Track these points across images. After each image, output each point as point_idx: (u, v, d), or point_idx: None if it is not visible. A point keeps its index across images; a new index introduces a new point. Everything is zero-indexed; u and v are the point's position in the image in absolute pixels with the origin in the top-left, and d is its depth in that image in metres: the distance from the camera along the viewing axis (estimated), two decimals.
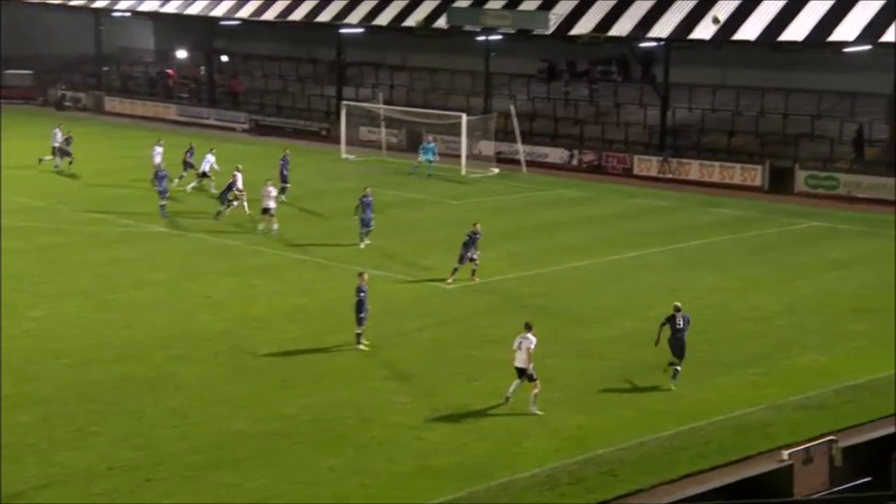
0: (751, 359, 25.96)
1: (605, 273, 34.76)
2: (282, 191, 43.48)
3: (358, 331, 26.77)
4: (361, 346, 26.69)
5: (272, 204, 38.77)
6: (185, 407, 23.06)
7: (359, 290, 26.61)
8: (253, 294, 31.66)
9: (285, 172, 44.68)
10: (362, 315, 26.61)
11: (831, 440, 19.00)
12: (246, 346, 26.92)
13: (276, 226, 38.76)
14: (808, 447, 18.74)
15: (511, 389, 23.11)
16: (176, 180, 46.10)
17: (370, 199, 37.39)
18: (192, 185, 46.28)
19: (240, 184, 40.77)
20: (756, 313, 29.65)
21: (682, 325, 24.61)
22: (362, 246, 36.94)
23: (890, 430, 20.02)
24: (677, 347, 24.60)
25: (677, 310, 24.78)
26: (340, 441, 21.53)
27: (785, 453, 18.70)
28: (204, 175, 46.07)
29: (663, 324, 24.79)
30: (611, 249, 37.56)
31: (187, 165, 47.54)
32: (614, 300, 31.63)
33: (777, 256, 37.23)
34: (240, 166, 41.94)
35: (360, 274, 27.27)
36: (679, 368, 24.55)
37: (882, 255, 37.54)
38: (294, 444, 21.41)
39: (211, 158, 46.26)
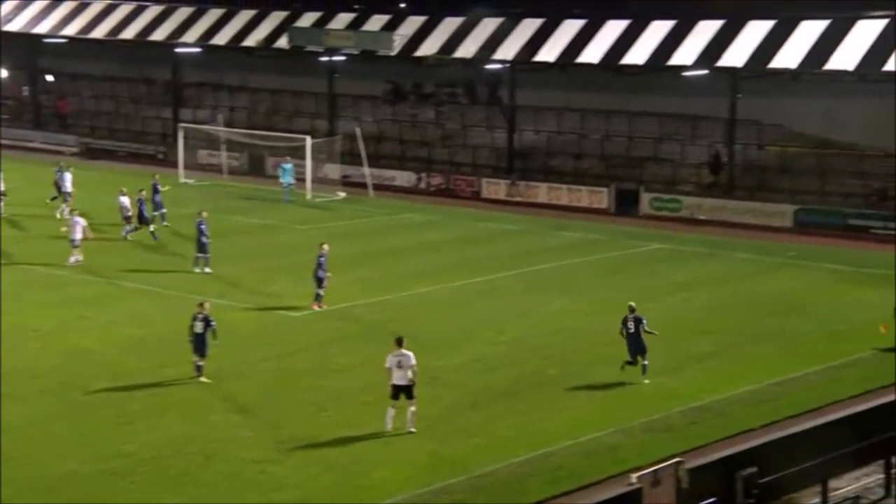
0: (600, 382, 25.95)
1: (454, 298, 34.46)
2: (161, 217, 42.85)
3: (199, 362, 25.73)
4: (202, 379, 25.65)
5: (80, 235, 37.31)
6: (10, 449, 21.61)
7: (206, 320, 25.58)
8: (84, 326, 30.29)
9: (157, 199, 43.24)
10: (205, 346, 25.59)
11: (678, 462, 18.98)
12: (77, 381, 25.58)
13: (76, 258, 37.14)
14: (655, 470, 18.64)
15: (389, 417, 22.65)
16: (48, 201, 45.56)
17: (204, 223, 36.37)
18: (63, 209, 44.37)
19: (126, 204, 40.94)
20: (605, 337, 29.56)
21: (632, 328, 25.78)
22: (197, 271, 36.04)
23: (734, 450, 20.17)
24: (631, 348, 25.85)
25: (631, 311, 26.03)
26: (182, 478, 20.60)
27: (633, 476, 18.55)
28: (67, 195, 45.13)
29: (620, 327, 26.12)
30: (459, 274, 37.30)
31: (59, 187, 46.11)
32: (464, 326, 31.33)
33: (624, 279, 37.54)
34: (124, 189, 41.12)
35: (201, 303, 26.22)
36: (646, 363, 25.98)
37: (724, 276, 38.32)
38: (132, 483, 20.35)
39: (68, 177, 45.44)
